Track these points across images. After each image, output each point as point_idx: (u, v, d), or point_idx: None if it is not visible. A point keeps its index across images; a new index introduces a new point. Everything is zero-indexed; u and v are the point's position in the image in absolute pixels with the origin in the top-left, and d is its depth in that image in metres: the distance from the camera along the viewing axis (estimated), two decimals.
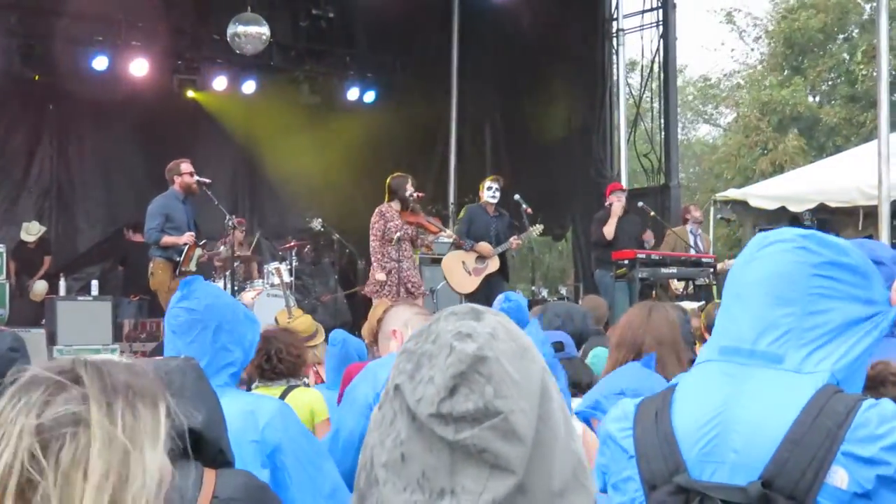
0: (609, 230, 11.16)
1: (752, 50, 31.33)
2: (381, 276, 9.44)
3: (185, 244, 9.39)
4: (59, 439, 1.21)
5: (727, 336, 1.81)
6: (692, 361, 2.41)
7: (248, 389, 4.14)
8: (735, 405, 1.71)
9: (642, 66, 14.55)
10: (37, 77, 13.14)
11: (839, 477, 1.60)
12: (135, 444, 1.24)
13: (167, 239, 9.41)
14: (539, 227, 10.97)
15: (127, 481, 1.22)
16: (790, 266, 1.78)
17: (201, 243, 9.77)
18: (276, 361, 4.16)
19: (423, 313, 3.81)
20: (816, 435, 1.62)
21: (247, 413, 2.75)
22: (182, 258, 9.37)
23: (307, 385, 4.73)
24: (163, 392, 1.32)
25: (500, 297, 5.23)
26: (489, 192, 10.61)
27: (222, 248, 10.86)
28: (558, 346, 4.44)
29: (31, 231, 12.80)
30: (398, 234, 9.49)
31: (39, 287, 12.54)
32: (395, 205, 9.63)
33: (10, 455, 1.18)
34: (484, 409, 1.04)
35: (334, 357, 4.56)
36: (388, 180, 9.78)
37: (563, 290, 15.27)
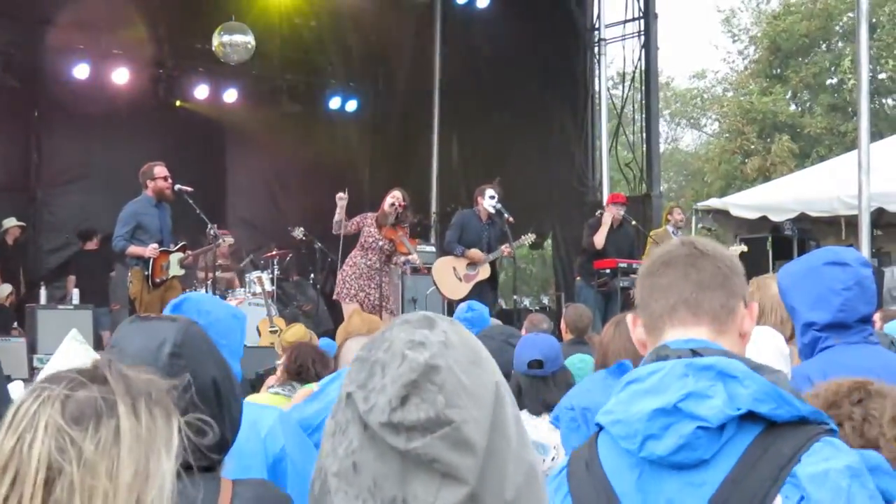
0: (599, 239, 11.08)
1: (744, 58, 31.17)
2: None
3: (150, 257, 9.16)
4: (84, 431, 1.23)
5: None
6: None
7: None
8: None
9: (623, 76, 14.57)
10: (18, 85, 13.07)
11: None
12: (153, 448, 1.27)
13: (133, 249, 9.20)
14: (531, 237, 10.87)
15: (147, 482, 1.25)
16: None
17: (178, 246, 9.54)
18: (311, 365, 4.72)
19: None
20: (758, 477, 1.56)
21: (249, 423, 2.75)
22: (150, 271, 9.19)
23: None
24: (175, 409, 1.34)
25: (463, 306, 5.23)
26: (491, 200, 10.31)
27: (227, 239, 10.41)
28: (535, 364, 4.16)
29: (8, 225, 12.66)
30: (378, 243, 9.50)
31: (4, 289, 12.31)
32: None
33: (39, 448, 1.21)
34: (435, 419, 1.03)
35: None
36: None
37: (545, 300, 15.29)
